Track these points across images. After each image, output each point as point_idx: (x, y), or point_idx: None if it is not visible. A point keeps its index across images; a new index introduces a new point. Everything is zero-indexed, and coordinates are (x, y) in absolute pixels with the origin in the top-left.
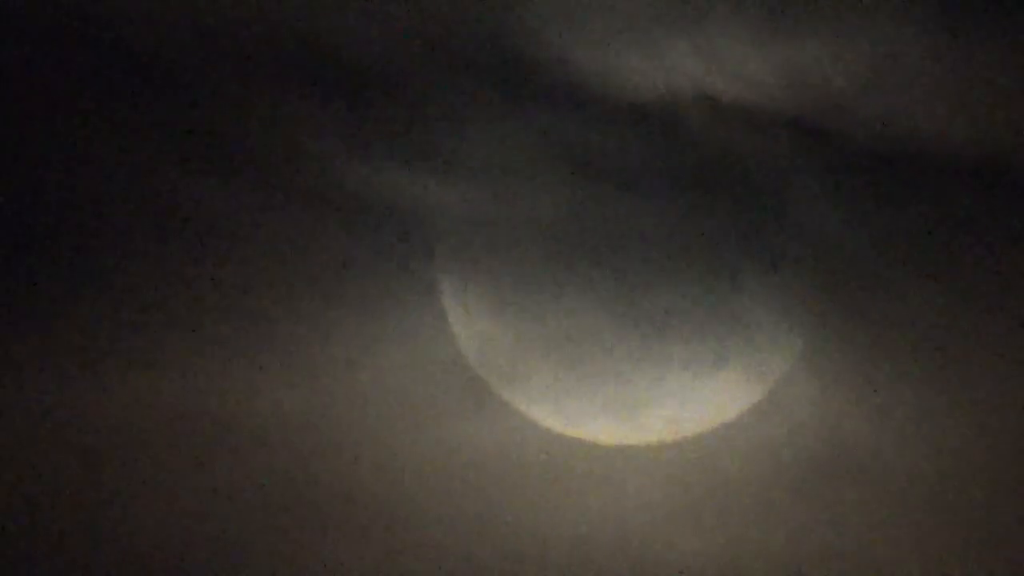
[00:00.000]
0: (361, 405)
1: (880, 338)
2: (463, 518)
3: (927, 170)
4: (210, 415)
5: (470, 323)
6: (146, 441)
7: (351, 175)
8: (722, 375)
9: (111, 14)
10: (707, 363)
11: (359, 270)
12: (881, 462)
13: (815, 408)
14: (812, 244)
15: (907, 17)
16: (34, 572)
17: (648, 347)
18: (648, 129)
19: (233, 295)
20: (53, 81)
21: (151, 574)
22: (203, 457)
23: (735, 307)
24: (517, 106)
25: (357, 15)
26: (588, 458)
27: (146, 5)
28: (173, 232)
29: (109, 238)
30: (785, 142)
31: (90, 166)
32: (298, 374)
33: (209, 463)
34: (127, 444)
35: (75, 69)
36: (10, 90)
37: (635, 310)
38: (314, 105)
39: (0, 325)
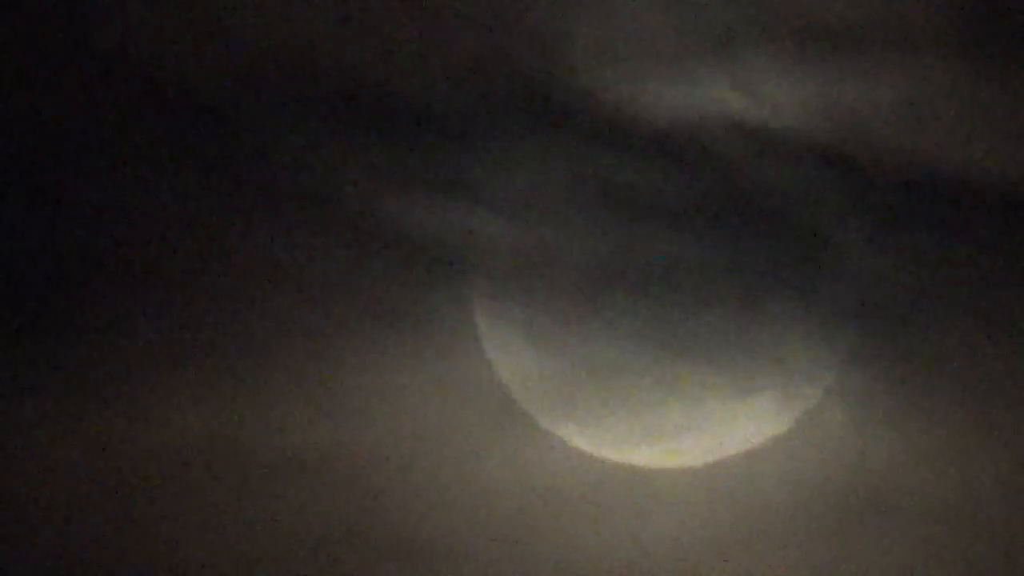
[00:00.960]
0: (400, 436)
1: (912, 372)
2: (505, 546)
3: (960, 202)
4: (244, 449)
5: (507, 352)
6: (172, 475)
7: (387, 208)
8: (753, 403)
9: (149, 51)
10: (738, 391)
11: (395, 302)
12: (910, 496)
13: (844, 439)
14: (844, 276)
15: (938, 47)
16: None
17: (682, 374)
18: (681, 160)
19: (268, 328)
20: (92, 117)
21: None
22: (234, 491)
23: (766, 337)
24: (553, 139)
25: (393, 52)
26: (627, 482)
27: (185, 42)
28: (206, 264)
29: (142, 270)
30: (818, 172)
31: (123, 199)
32: (335, 407)
33: (241, 497)
34: (151, 477)
35: (115, 107)
36: (46, 129)
37: (668, 338)
38: (351, 139)
39: (26, 357)
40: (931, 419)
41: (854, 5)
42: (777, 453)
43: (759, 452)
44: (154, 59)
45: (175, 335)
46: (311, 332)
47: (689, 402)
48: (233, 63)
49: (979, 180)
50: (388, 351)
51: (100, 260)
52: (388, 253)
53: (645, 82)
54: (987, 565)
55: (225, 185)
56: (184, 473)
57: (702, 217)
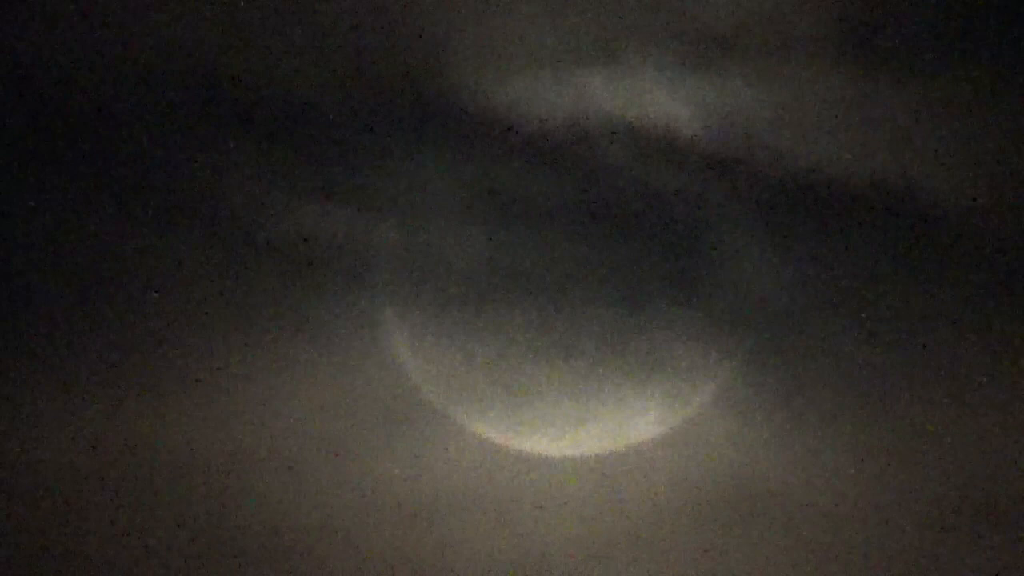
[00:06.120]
0: (308, 437)
1: (797, 377)
2: (414, 532)
3: (843, 204)
4: (156, 451)
5: (413, 351)
6: (80, 482)
7: (279, 212)
8: (641, 400)
9: (28, 51)
10: (627, 389)
11: (294, 304)
12: (784, 499)
13: (727, 443)
14: (729, 279)
15: (819, 53)
16: None
17: (573, 371)
18: (565, 162)
19: (168, 335)
20: None
21: None
22: (155, 493)
23: (653, 339)
24: (439, 142)
25: (280, 57)
26: (528, 468)
27: (68, 47)
28: (104, 273)
29: (32, 275)
30: (701, 175)
31: (14, 207)
32: (242, 409)
33: (162, 499)
34: (55, 482)
35: None
36: None
37: (559, 337)
38: (241, 145)
39: None
40: (813, 426)
41: (736, 12)
42: (665, 449)
43: (649, 446)
44: (33, 60)
45: (67, 339)
46: (208, 341)
47: (581, 397)
48: (116, 65)
49: (861, 183)
50: (290, 356)
51: None
52: (285, 257)
53: (529, 87)
54: (854, 565)
55: (114, 192)
56: (80, 475)
57: (587, 219)
